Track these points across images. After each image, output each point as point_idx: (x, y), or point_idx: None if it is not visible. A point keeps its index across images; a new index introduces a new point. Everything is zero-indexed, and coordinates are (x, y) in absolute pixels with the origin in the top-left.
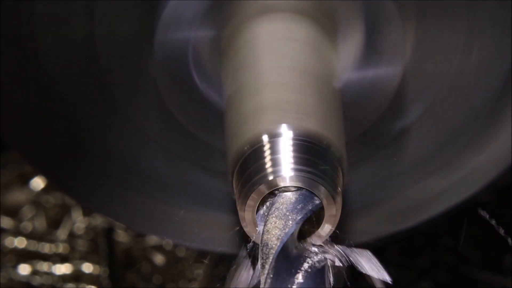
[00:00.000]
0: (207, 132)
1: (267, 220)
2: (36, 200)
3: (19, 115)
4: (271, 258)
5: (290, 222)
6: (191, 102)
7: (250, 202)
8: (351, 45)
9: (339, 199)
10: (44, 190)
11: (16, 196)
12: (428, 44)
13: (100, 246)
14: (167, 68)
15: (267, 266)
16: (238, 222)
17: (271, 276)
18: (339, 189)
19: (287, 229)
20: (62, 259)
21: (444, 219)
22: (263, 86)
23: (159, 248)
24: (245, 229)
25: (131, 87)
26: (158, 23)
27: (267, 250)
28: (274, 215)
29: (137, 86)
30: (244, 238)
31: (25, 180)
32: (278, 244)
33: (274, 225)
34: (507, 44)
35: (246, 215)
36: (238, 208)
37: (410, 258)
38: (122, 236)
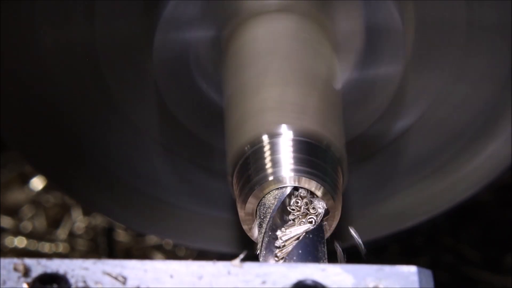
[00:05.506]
0: (207, 132)
1: None
2: (36, 200)
3: (19, 115)
4: (268, 217)
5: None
6: (191, 102)
7: (250, 202)
8: (351, 45)
9: (339, 199)
10: (44, 190)
11: (16, 195)
12: (428, 44)
13: (100, 245)
14: (167, 68)
15: (264, 225)
16: (238, 222)
17: (269, 234)
18: (339, 189)
19: (284, 189)
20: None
21: (444, 219)
22: (263, 86)
23: (159, 248)
24: (245, 229)
25: (131, 87)
26: (158, 23)
27: (265, 209)
28: None
29: (137, 86)
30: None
31: (25, 180)
32: (276, 203)
33: None
34: (506, 45)
35: (246, 215)
36: (238, 208)
37: (410, 258)
38: (122, 236)
